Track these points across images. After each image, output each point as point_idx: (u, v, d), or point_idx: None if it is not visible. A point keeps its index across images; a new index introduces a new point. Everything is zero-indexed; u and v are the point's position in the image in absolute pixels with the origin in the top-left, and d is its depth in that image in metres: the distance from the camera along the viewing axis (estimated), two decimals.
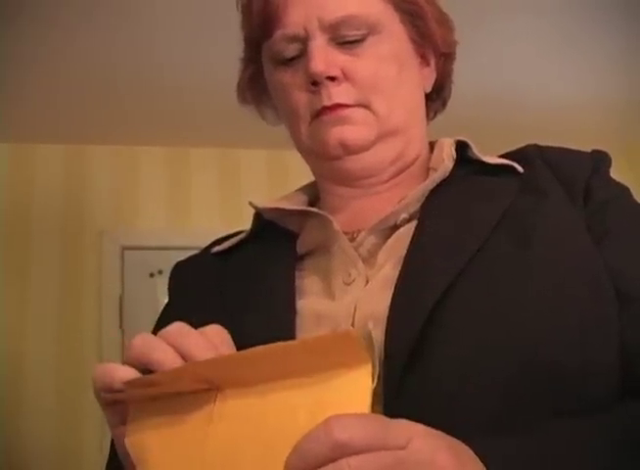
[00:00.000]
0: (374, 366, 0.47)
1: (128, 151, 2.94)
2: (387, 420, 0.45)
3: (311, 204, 0.82)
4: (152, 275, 2.85)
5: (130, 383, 0.51)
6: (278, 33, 0.73)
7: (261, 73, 0.79)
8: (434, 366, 0.57)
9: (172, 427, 0.50)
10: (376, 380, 0.47)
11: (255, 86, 0.82)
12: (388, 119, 0.73)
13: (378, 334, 0.60)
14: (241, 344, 0.58)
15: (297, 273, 0.72)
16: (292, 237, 0.76)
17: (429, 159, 0.78)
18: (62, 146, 2.86)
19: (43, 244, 2.76)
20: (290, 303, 0.67)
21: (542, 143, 0.77)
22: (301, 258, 0.74)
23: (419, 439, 0.44)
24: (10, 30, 1.98)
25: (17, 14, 1.91)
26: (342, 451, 0.41)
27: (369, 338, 0.55)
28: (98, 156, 2.91)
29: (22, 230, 2.76)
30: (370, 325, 0.56)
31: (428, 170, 0.76)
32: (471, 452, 0.47)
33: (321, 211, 0.73)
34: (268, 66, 0.77)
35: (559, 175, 0.71)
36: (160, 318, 0.81)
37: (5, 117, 2.55)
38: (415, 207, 0.71)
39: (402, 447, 0.43)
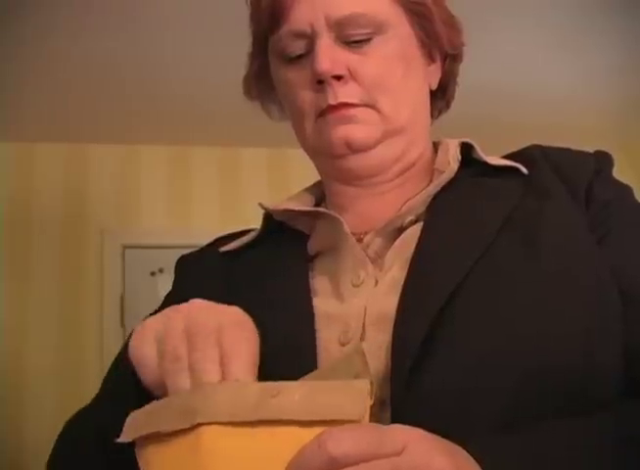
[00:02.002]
0: (371, 384, 0.49)
1: (129, 150, 2.94)
2: (381, 428, 0.45)
3: (317, 204, 0.82)
4: (153, 274, 2.86)
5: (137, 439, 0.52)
6: (284, 29, 0.72)
7: (268, 69, 0.79)
8: (441, 368, 0.57)
9: (169, 460, 0.51)
10: (373, 398, 0.48)
11: (262, 82, 0.81)
12: (393, 119, 0.73)
13: (385, 336, 0.61)
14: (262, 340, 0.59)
15: (309, 273, 0.72)
16: (302, 238, 0.76)
17: (433, 159, 0.78)
18: (63, 145, 2.86)
19: (44, 243, 2.77)
20: (308, 302, 0.68)
21: (542, 140, 0.78)
22: (312, 258, 0.75)
23: (414, 443, 0.44)
24: (12, 30, 1.98)
25: (19, 13, 1.92)
26: (338, 464, 0.41)
27: (362, 355, 0.56)
28: (99, 154, 2.91)
29: (24, 229, 2.77)
30: (363, 345, 0.57)
31: (432, 171, 0.77)
32: (465, 454, 0.47)
33: (332, 212, 0.74)
34: (274, 62, 0.76)
35: (562, 176, 0.71)
36: (161, 307, 0.81)
37: (7, 116, 2.55)
38: (421, 209, 0.71)
39: (398, 453, 0.43)
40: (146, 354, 0.56)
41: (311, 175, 0.84)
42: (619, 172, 0.75)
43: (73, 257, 2.79)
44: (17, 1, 1.86)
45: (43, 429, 2.50)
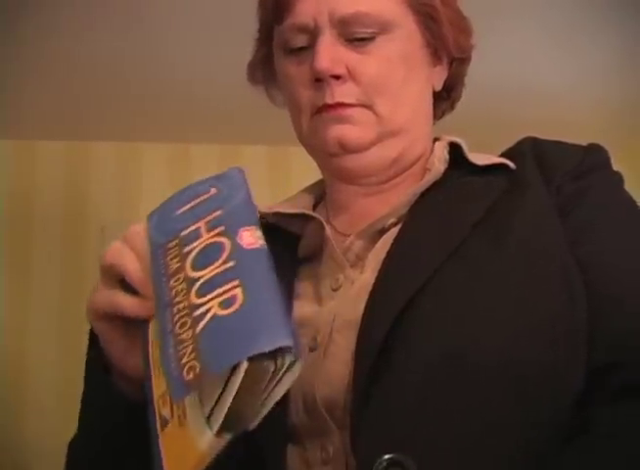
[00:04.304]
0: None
1: (130, 147, 2.94)
2: None
3: (316, 203, 0.82)
4: None
5: None
6: (288, 21, 0.72)
7: (272, 57, 0.79)
8: (401, 371, 0.57)
9: None
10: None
11: (266, 68, 0.81)
12: (390, 121, 0.72)
13: (351, 341, 0.61)
14: None
15: (295, 277, 0.73)
16: (295, 240, 0.76)
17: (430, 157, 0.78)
18: (64, 142, 2.86)
19: (45, 240, 2.77)
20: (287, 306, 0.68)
21: (542, 136, 0.77)
22: (302, 260, 0.75)
23: None
24: (13, 28, 1.99)
25: (20, 13, 1.92)
26: None
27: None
28: (100, 152, 2.91)
29: (25, 226, 2.77)
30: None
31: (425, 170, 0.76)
32: None
33: (317, 215, 0.74)
34: (277, 52, 0.76)
35: (542, 167, 0.71)
36: None
37: (8, 114, 2.55)
38: (403, 210, 0.71)
39: None
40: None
41: (313, 173, 0.84)
42: (616, 169, 0.76)
43: (74, 254, 2.79)
44: (18, 0, 1.86)
45: (44, 428, 2.50)
